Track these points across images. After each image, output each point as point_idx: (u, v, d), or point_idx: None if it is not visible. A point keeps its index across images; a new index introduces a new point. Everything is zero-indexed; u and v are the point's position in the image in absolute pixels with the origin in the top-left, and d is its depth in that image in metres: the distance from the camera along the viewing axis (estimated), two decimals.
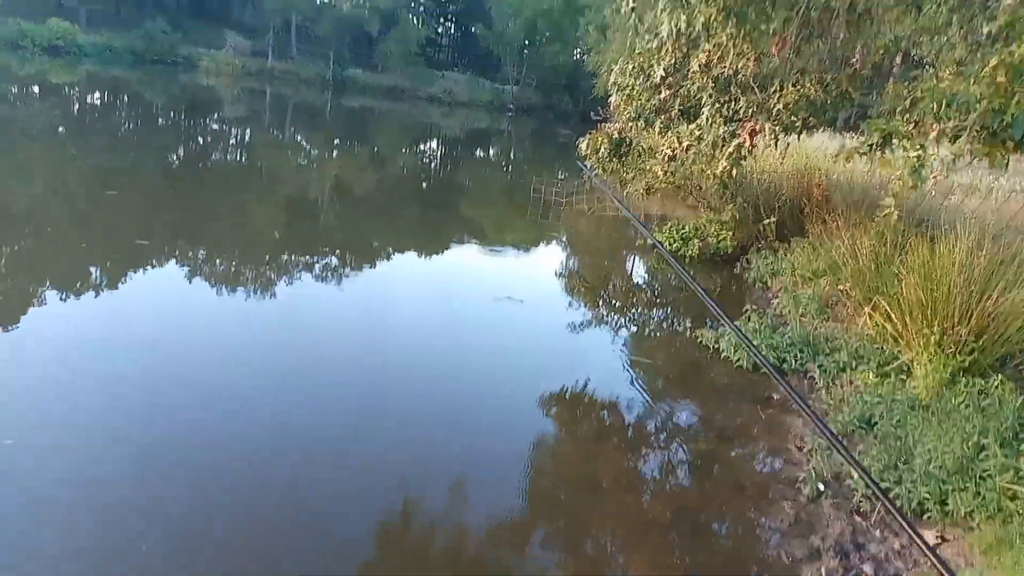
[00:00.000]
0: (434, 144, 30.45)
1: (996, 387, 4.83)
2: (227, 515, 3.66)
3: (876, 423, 5.00)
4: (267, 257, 8.71)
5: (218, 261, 8.22)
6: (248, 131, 23.88)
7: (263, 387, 5.09)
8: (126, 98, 28.14)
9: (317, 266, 8.58)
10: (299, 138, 24.77)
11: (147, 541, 3.36)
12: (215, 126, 24.30)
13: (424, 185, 18.66)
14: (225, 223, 10.18)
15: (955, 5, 6.51)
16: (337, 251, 9.45)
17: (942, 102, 4.46)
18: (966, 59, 5.22)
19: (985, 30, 4.95)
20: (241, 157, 18.72)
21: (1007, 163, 4.93)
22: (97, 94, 27.93)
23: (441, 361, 6.12)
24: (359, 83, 52.78)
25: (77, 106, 23.30)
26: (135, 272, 7.34)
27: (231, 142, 20.92)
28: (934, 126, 4.71)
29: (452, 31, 71.55)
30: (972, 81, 4.34)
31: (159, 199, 11.14)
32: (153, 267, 7.61)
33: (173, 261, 7.96)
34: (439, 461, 4.48)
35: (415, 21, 62.81)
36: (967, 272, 5.32)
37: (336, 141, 25.38)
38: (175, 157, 16.34)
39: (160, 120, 23.20)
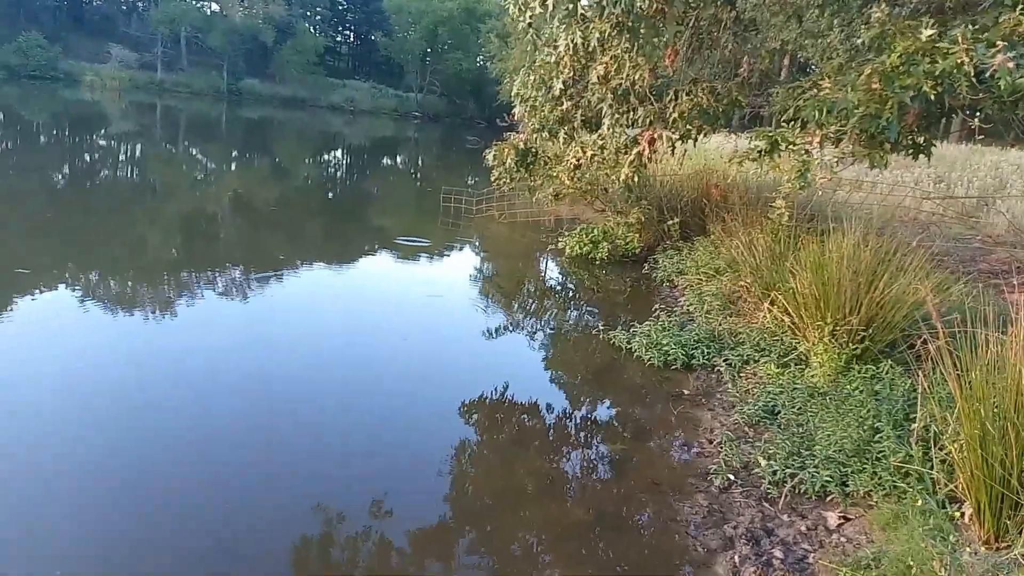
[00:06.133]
0: (338, 153, 29.95)
1: (886, 372, 5.18)
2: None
3: (779, 412, 5.26)
4: (164, 276, 8.33)
5: (111, 284, 7.80)
6: (139, 146, 22.81)
7: (175, 412, 4.88)
8: (1, 116, 26.33)
9: (219, 282, 8.28)
10: (194, 151, 23.84)
11: None
12: (102, 142, 23.10)
13: (330, 195, 18.33)
14: (117, 244, 9.68)
15: (835, 10, 6.97)
16: (240, 266, 9.12)
17: (823, 109, 4.75)
18: (845, 66, 5.58)
19: (859, 41, 5.32)
20: (132, 174, 17.88)
21: (886, 163, 5.30)
22: None
23: (357, 373, 6.04)
24: (256, 94, 51.42)
25: None
26: (14, 303, 6.83)
27: (120, 158, 19.94)
28: (816, 132, 5.01)
29: (351, 39, 70.71)
30: (850, 88, 4.64)
31: (42, 223, 10.47)
32: (35, 296, 7.13)
33: (60, 287, 7.49)
34: (359, 474, 4.43)
35: (312, 30, 61.68)
36: (854, 265, 5.68)
37: (234, 153, 24.58)
38: (60, 177, 15.43)
39: (42, 138, 21.85)
